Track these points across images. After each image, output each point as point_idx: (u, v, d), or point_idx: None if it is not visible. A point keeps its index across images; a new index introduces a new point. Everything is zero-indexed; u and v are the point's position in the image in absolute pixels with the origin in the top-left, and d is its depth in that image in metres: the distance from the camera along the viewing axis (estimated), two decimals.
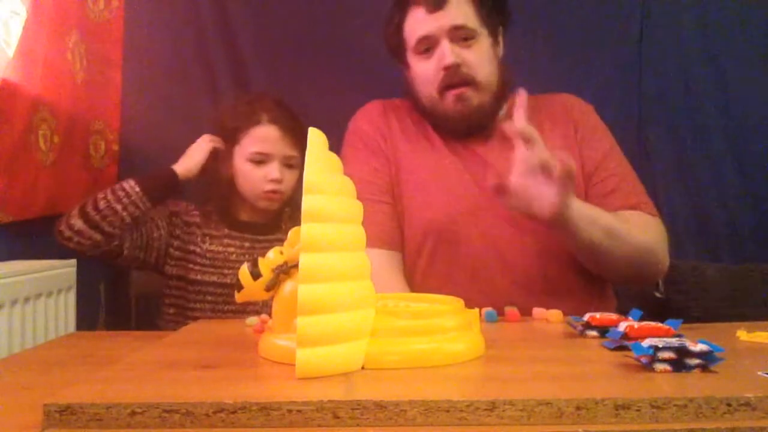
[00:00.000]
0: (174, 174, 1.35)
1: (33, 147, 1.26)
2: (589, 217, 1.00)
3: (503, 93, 1.18)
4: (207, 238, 1.38)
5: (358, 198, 0.69)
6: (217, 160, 1.40)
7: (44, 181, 1.31)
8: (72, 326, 1.26)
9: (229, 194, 1.41)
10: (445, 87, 1.14)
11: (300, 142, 1.36)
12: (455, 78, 1.12)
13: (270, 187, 1.35)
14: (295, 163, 1.38)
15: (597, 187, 1.15)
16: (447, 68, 1.12)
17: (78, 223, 1.24)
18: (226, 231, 1.39)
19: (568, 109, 1.22)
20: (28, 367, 0.83)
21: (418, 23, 1.14)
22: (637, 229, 1.06)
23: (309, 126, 0.67)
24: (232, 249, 1.37)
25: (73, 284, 1.26)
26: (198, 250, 1.36)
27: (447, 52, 1.12)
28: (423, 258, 1.15)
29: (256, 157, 1.35)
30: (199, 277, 1.34)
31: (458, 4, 1.13)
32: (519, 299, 1.02)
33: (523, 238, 1.12)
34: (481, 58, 1.15)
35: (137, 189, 1.28)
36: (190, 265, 1.35)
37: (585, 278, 1.12)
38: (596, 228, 1.00)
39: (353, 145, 1.21)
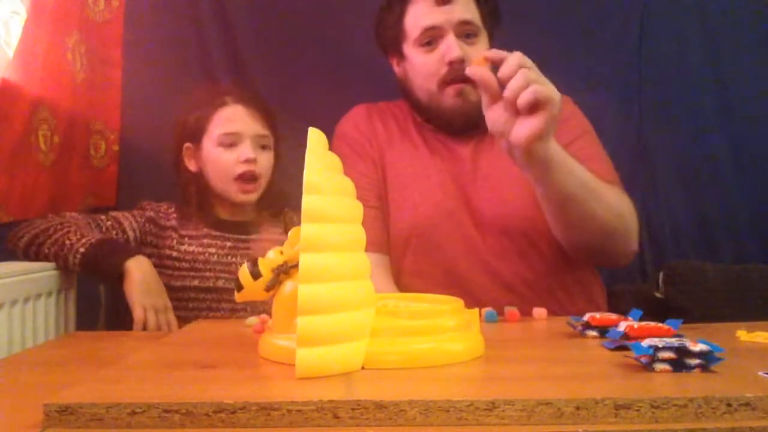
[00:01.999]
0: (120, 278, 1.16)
1: (33, 147, 1.26)
2: (567, 165, 0.95)
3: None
4: (185, 239, 1.28)
5: None
6: (182, 161, 1.33)
7: (44, 181, 1.30)
8: (72, 326, 1.26)
9: (203, 191, 1.32)
10: (447, 81, 1.14)
11: (270, 122, 1.31)
12: (459, 73, 1.12)
13: (243, 168, 1.26)
14: (269, 144, 1.31)
15: None
16: (452, 62, 1.12)
17: (20, 255, 1.19)
18: (205, 230, 1.30)
19: None
20: (28, 367, 0.83)
21: (424, 14, 1.15)
22: (612, 194, 1.03)
23: (309, 126, 0.67)
24: (212, 249, 1.28)
25: (73, 284, 1.26)
26: (174, 254, 1.27)
27: (453, 46, 1.12)
28: (407, 259, 1.16)
29: (227, 138, 1.27)
30: (178, 283, 1.24)
31: (465, 1, 1.15)
32: (502, 300, 1.03)
33: (502, 239, 1.12)
34: None
35: (78, 258, 1.15)
36: (169, 271, 1.25)
37: (567, 279, 1.12)
38: (573, 178, 0.96)
39: (340, 149, 1.22)
